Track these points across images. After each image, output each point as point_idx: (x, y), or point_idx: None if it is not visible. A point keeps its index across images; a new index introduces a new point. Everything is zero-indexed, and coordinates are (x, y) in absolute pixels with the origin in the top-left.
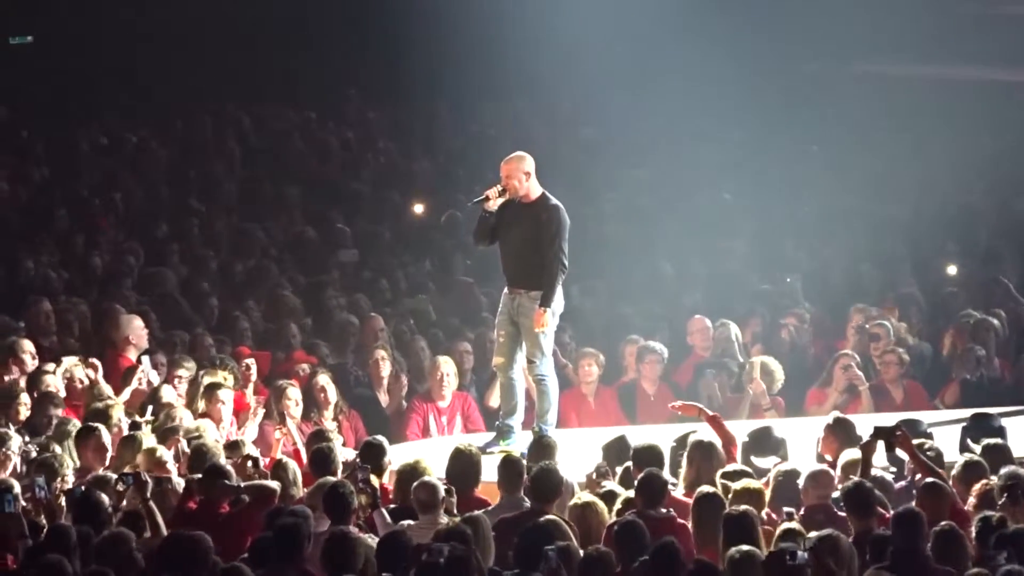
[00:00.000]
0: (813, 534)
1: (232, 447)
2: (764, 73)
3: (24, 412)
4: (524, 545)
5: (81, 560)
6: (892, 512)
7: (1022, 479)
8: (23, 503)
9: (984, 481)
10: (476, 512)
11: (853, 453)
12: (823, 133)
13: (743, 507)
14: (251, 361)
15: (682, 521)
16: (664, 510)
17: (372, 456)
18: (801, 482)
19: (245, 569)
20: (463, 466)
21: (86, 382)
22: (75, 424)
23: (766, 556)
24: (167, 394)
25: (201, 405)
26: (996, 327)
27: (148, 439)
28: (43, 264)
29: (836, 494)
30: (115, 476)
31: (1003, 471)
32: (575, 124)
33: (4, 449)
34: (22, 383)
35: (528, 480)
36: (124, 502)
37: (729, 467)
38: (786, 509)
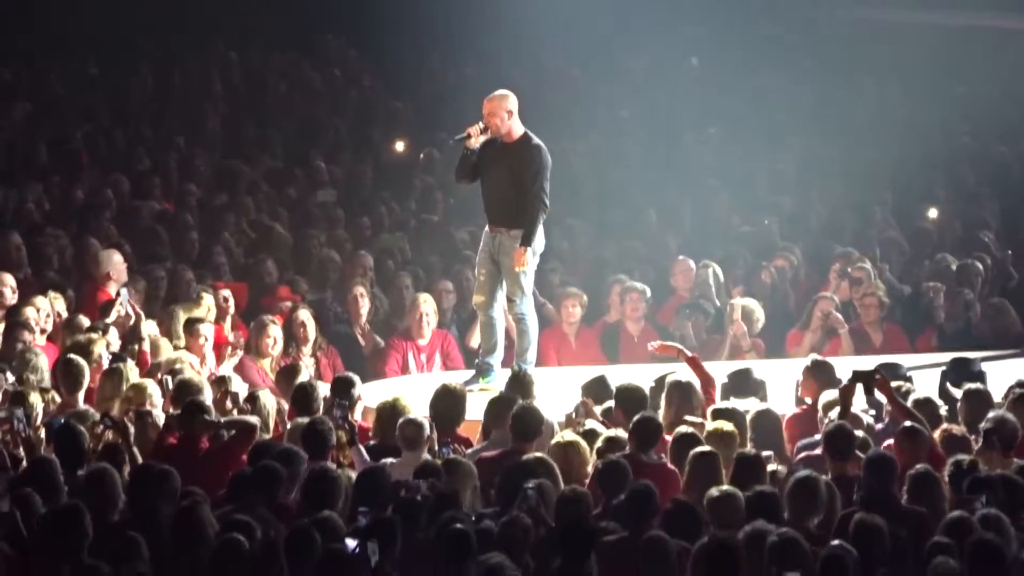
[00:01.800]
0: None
1: (219, 382)
2: (750, 17)
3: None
4: (505, 483)
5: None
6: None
7: (1004, 424)
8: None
9: (944, 427)
10: (457, 453)
11: (832, 395)
12: (808, 78)
13: (709, 448)
14: (228, 293)
15: (673, 467)
16: (656, 456)
17: (341, 390)
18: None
19: (205, 509)
20: (449, 403)
21: (64, 316)
22: (37, 354)
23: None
24: (149, 328)
25: (181, 340)
26: (981, 271)
27: (133, 373)
28: (20, 198)
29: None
30: (96, 415)
31: (989, 415)
32: (559, 64)
33: None
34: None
35: (508, 419)
36: (101, 444)
37: (720, 404)
38: (764, 452)
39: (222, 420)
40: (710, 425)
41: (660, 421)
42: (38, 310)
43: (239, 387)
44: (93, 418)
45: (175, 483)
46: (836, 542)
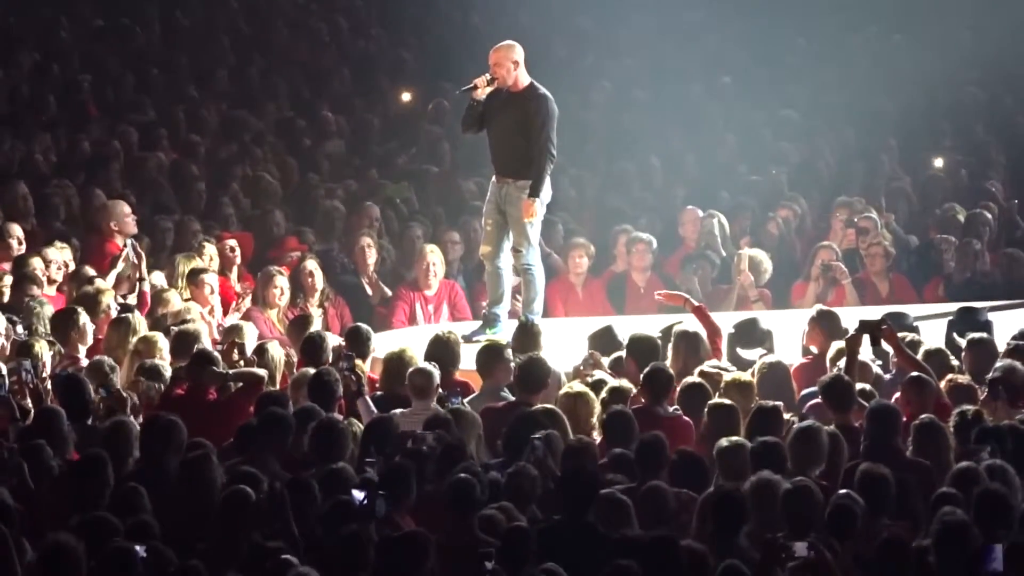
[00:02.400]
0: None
1: (228, 332)
2: None
3: (7, 293)
4: (512, 434)
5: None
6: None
7: (1012, 373)
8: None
9: (950, 377)
10: (463, 403)
11: (841, 345)
12: (811, 27)
13: (728, 400)
14: (234, 243)
15: (687, 419)
16: (671, 407)
17: (357, 343)
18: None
19: (212, 460)
20: (443, 351)
21: (72, 267)
22: (43, 304)
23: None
24: (156, 279)
25: (186, 292)
26: (990, 221)
27: (142, 324)
28: (27, 148)
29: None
30: (109, 365)
31: (998, 364)
32: (566, 14)
33: None
34: (5, 266)
35: (515, 370)
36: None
37: (707, 364)
38: (772, 403)
39: (230, 372)
40: (727, 376)
41: (671, 372)
42: (47, 261)
43: (252, 338)
44: (105, 367)
45: (181, 434)
46: (843, 491)
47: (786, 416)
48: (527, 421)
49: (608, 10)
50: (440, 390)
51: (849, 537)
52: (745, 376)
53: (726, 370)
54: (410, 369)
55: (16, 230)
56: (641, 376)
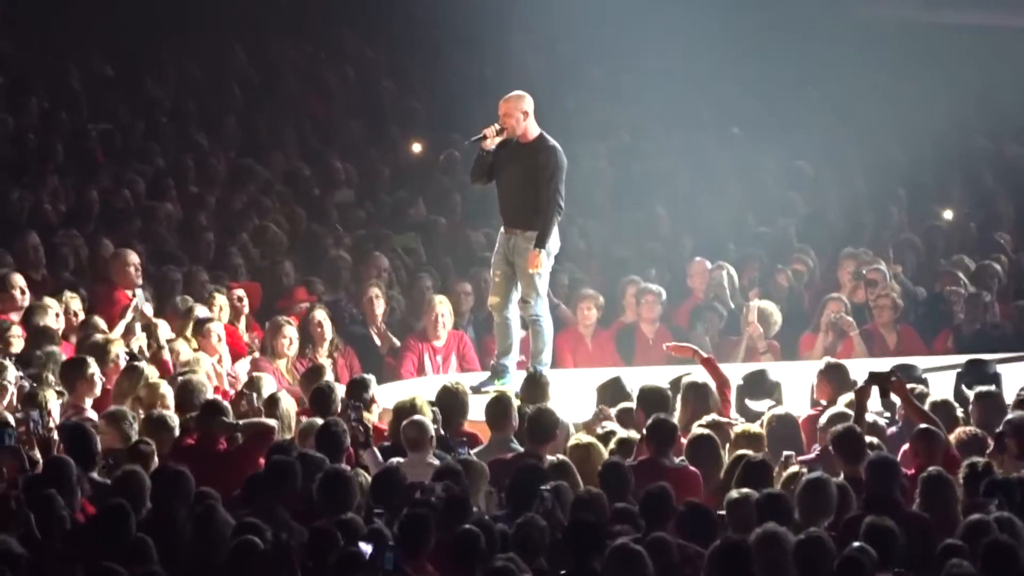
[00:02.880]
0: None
1: (250, 384)
2: (763, 16)
3: (17, 345)
4: (517, 485)
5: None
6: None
7: (1022, 428)
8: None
9: (960, 429)
10: (471, 455)
11: (850, 398)
12: (821, 76)
13: (749, 451)
14: (241, 292)
15: (694, 469)
16: (678, 459)
17: (355, 391)
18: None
19: (220, 511)
20: (450, 401)
21: (81, 317)
22: (55, 354)
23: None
24: (164, 330)
25: (194, 341)
26: (999, 272)
27: (152, 373)
28: (36, 198)
29: None
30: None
31: (1009, 416)
32: (576, 64)
33: (1, 380)
34: (13, 316)
35: (524, 422)
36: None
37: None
38: (786, 452)
39: (240, 422)
40: (737, 428)
41: (675, 422)
42: (48, 311)
43: (270, 390)
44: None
45: (189, 484)
46: (857, 545)
47: (795, 468)
48: (532, 472)
49: (617, 60)
50: (438, 441)
51: None
52: (755, 428)
53: (734, 422)
54: (404, 422)
55: (19, 280)
56: (645, 428)
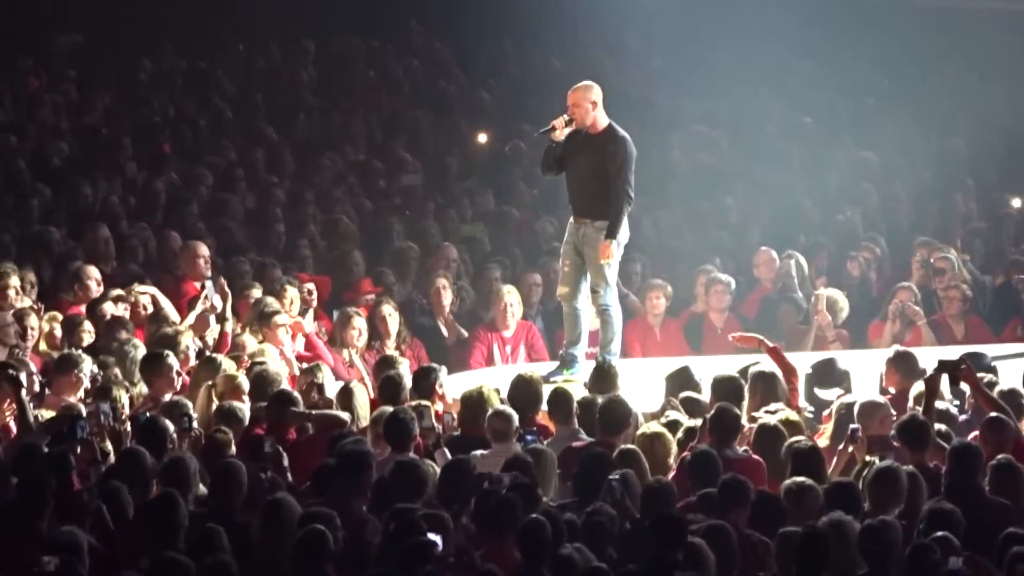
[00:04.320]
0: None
1: (307, 373)
2: (832, 6)
3: (87, 338)
4: (584, 474)
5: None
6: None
7: None
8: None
9: None
10: (542, 444)
11: (921, 387)
12: (890, 66)
13: (809, 442)
14: (311, 286)
15: (757, 458)
16: (741, 448)
17: (422, 382)
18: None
19: (289, 498)
20: (524, 393)
21: (150, 309)
22: (136, 346)
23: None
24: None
25: (260, 333)
26: None
27: (229, 365)
28: (106, 190)
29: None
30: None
31: None
32: (643, 54)
33: (77, 372)
34: (84, 309)
35: (596, 411)
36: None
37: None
38: (852, 426)
39: (311, 412)
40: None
41: (737, 412)
42: (115, 302)
43: (329, 378)
44: (184, 409)
45: (243, 476)
46: (938, 534)
47: (866, 457)
48: (599, 461)
49: (685, 51)
50: (519, 431)
51: None
52: (792, 415)
53: (803, 412)
54: (489, 412)
55: (94, 272)
56: (708, 418)
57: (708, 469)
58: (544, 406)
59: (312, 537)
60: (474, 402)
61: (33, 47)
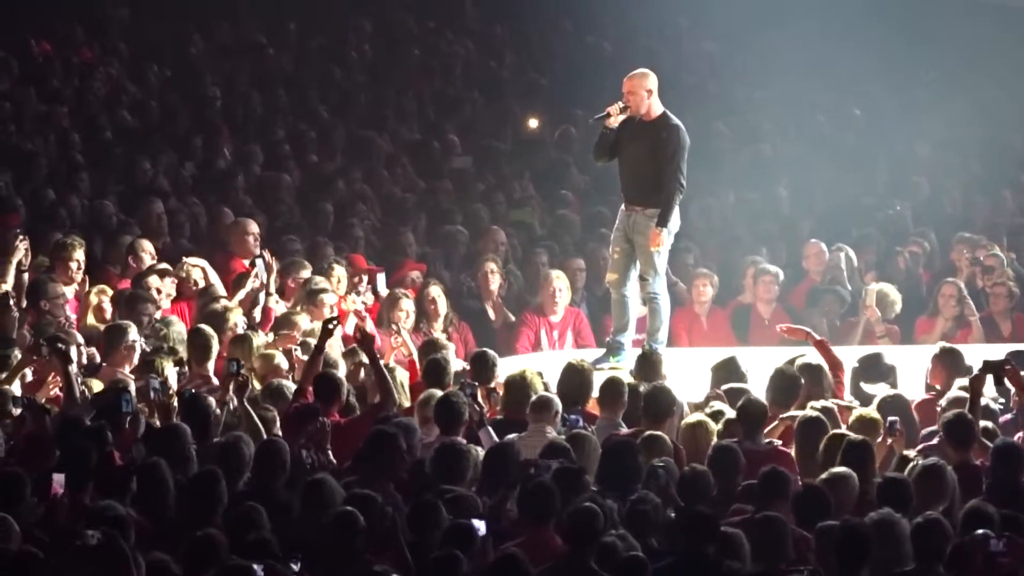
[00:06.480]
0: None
1: (351, 354)
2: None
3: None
4: (610, 461)
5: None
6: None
7: None
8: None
9: None
10: (587, 429)
11: (955, 392)
12: (941, 60)
13: (861, 437)
14: (366, 276)
15: (784, 449)
16: (766, 440)
17: (483, 368)
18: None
19: (329, 479)
20: (575, 381)
21: (201, 283)
22: (169, 322)
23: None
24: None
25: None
26: None
27: (260, 340)
28: (161, 165)
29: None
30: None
31: None
32: (695, 41)
33: (128, 341)
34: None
35: (640, 399)
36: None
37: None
38: (890, 418)
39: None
40: (856, 412)
41: (764, 403)
42: (162, 277)
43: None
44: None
45: (285, 455)
46: (981, 532)
47: (909, 453)
48: (627, 449)
49: (738, 37)
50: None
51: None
52: (872, 412)
53: (851, 405)
54: (533, 399)
55: (148, 246)
56: (736, 409)
57: (727, 462)
58: (595, 393)
59: (347, 519)
60: (517, 386)
61: (85, 19)
